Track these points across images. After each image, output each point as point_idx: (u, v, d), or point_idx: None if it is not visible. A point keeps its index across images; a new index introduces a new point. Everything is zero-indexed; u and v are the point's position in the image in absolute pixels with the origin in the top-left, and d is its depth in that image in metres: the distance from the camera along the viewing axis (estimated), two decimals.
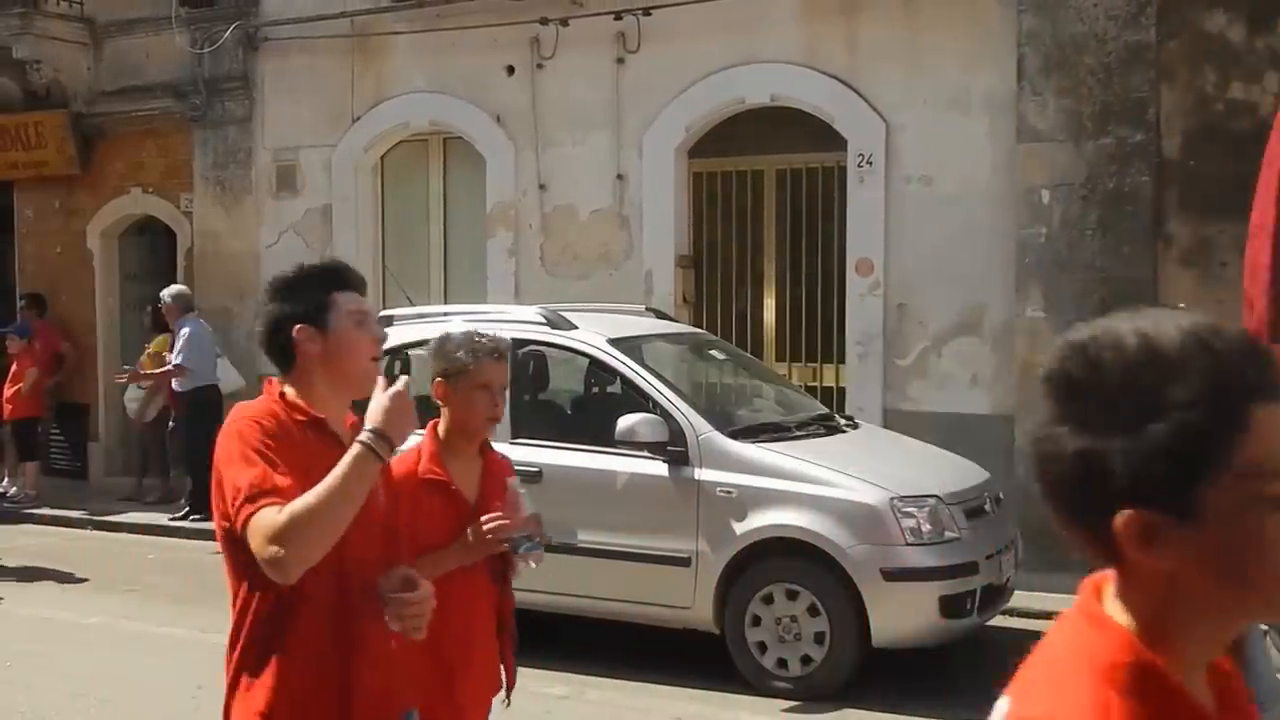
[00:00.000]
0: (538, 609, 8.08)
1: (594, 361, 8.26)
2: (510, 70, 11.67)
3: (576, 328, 8.22)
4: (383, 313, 9.42)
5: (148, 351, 13.18)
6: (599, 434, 7.79)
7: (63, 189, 14.80)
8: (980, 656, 7.79)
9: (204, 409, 11.96)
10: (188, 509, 12.25)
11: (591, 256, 11.39)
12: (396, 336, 8.81)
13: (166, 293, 12.43)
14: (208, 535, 11.67)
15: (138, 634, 8.94)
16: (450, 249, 12.50)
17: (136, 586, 10.33)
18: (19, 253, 15.34)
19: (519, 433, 8.08)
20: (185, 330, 12.05)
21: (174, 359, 11.90)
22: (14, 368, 13.29)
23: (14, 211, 15.31)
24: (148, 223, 14.49)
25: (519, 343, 8.24)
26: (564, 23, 11.21)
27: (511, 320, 8.47)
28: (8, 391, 13.35)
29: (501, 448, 7.80)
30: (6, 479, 14.02)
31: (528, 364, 8.42)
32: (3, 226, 15.46)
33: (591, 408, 8.67)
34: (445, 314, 9.18)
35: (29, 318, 14.18)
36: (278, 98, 13.12)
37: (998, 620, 8.04)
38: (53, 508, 13.20)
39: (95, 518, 12.79)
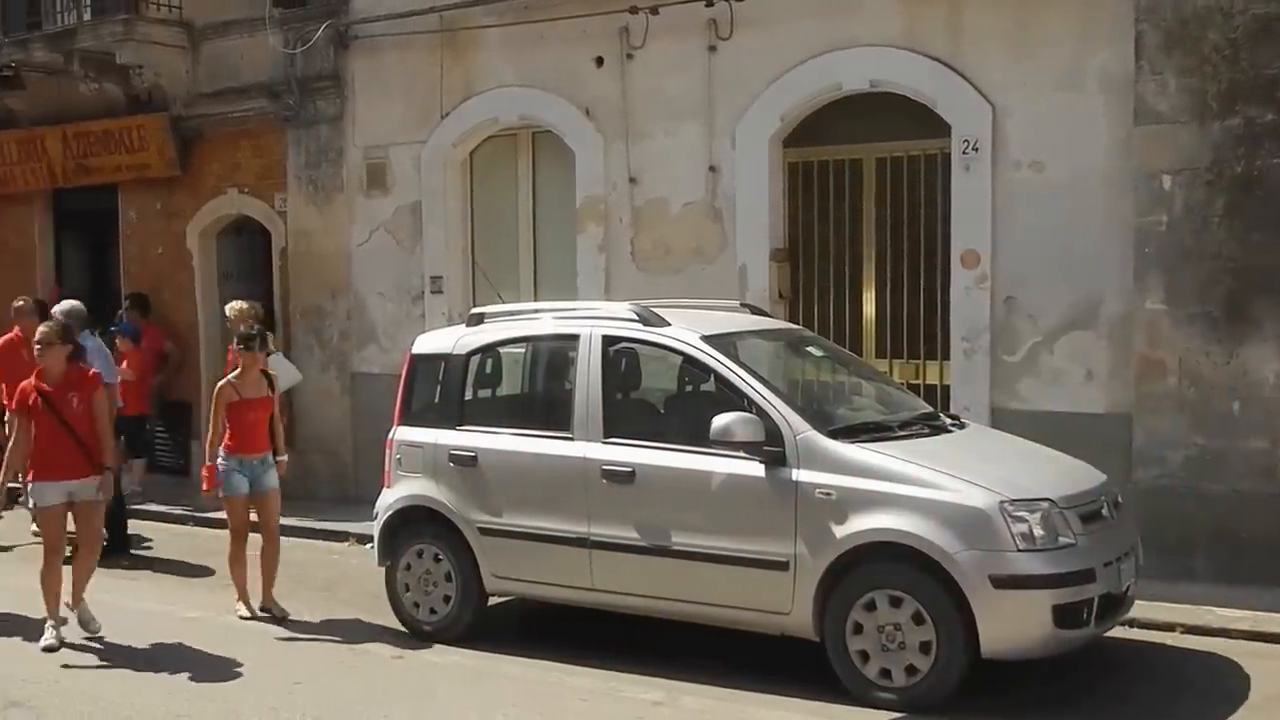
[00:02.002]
0: (632, 612, 7.92)
1: (687, 359, 8.03)
2: (599, 61, 11.41)
3: (669, 324, 8.02)
4: (473, 310, 9.31)
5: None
6: (693, 433, 7.55)
7: (163, 190, 14.95)
8: (1098, 670, 7.48)
9: None
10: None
11: (684, 251, 11.11)
12: (487, 334, 8.72)
13: (59, 309, 11.19)
14: (304, 533, 11.72)
15: (235, 628, 8.98)
16: (540, 245, 12.29)
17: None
18: (123, 254, 15.53)
19: (611, 432, 7.93)
20: (91, 344, 10.79)
21: (106, 377, 10.26)
22: (122, 367, 13.32)
23: (118, 213, 15.48)
24: (244, 223, 14.53)
25: (610, 340, 8.11)
26: (654, 10, 10.92)
27: (603, 317, 8.36)
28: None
29: (594, 447, 7.82)
30: None
31: (620, 362, 8.25)
32: (108, 228, 15.65)
33: (685, 406, 8.47)
34: (535, 310, 9.08)
35: (133, 318, 14.27)
36: (368, 95, 13.04)
37: (1117, 631, 7.70)
38: (157, 503, 13.40)
39: (196, 514, 12.82)
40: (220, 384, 9.31)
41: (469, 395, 8.80)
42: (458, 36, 12.27)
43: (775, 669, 7.54)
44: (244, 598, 9.29)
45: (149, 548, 11.85)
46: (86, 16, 15.10)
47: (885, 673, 6.96)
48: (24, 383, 8.60)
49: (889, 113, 10.32)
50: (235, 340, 9.46)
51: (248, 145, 14.12)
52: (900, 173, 10.41)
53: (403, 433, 8.78)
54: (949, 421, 8.27)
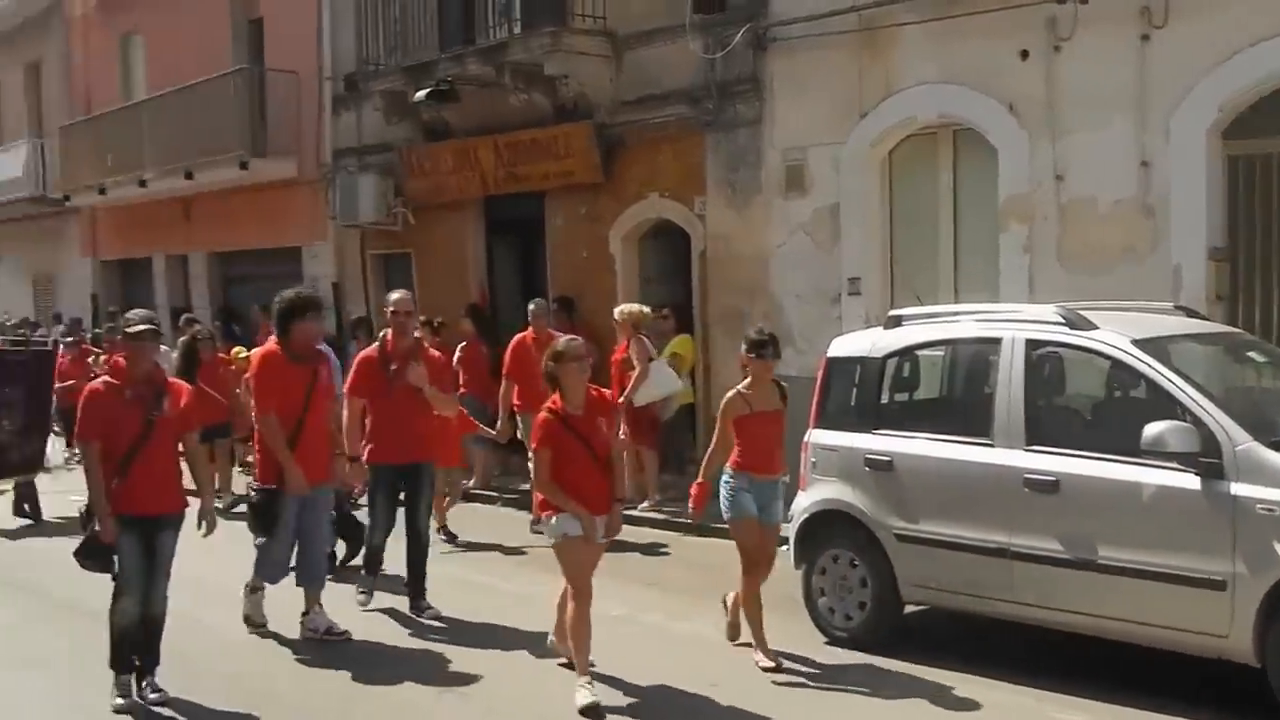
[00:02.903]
0: (1054, 627, 7.65)
1: (1116, 364, 7.70)
2: (1024, 55, 11.08)
3: (1097, 327, 7.70)
4: (891, 312, 9.22)
5: (672, 352, 13.53)
6: (1122, 442, 7.23)
7: (587, 196, 15.50)
8: None
9: None
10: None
11: (1113, 250, 10.62)
12: (905, 337, 8.62)
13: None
14: (723, 533, 11.89)
15: (656, 627, 9.17)
16: (960, 245, 12.03)
17: (655, 581, 10.58)
18: (550, 258, 16.20)
19: (1034, 439, 7.69)
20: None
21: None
22: None
23: (545, 219, 16.17)
24: (663, 226, 14.87)
25: (1034, 344, 7.89)
26: (1083, 0, 10.52)
27: (1027, 320, 8.12)
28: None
29: (1015, 455, 7.58)
30: None
31: (1044, 366, 8.03)
32: (536, 234, 16.39)
33: (1114, 414, 8.13)
34: (955, 313, 8.91)
35: (560, 320, 14.83)
36: (786, 97, 13.13)
37: None
38: None
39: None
40: (729, 394, 8.29)
41: (885, 399, 8.74)
42: (877, 34, 12.19)
43: (1211, 692, 7.14)
44: (761, 645, 8.16)
45: (666, 553, 11.90)
46: (517, 30, 15.89)
47: None
48: (542, 415, 7.50)
49: None
50: (745, 345, 8.32)
51: (668, 150, 14.46)
52: None
53: (818, 435, 8.80)
54: None
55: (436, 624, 9.34)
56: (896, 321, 8.85)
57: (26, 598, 10.57)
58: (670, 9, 13.99)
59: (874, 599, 8.36)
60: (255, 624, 9.09)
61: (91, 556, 7.57)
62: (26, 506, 14.20)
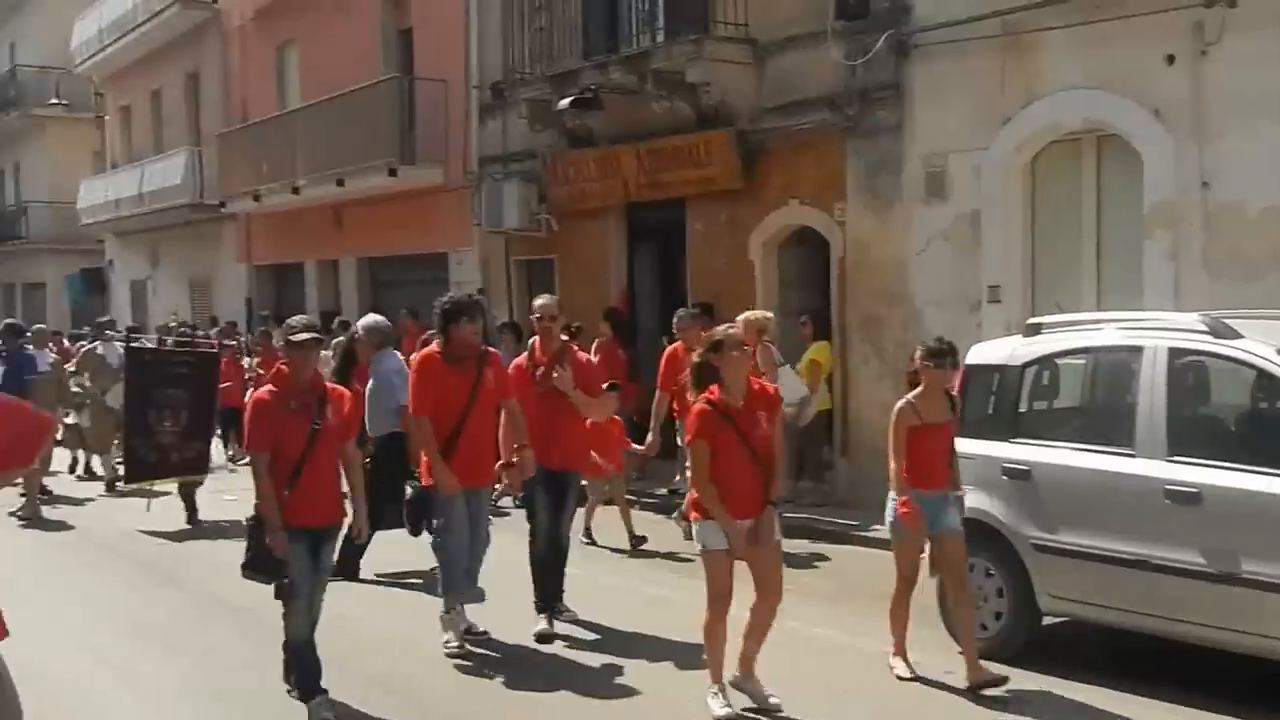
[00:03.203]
0: (1195, 642, 7.51)
1: (1262, 374, 7.53)
2: (1170, 59, 10.88)
3: (1242, 336, 7.54)
4: (1030, 321, 9.14)
5: (810, 359, 13.55)
6: (1268, 454, 7.12)
7: (727, 203, 15.56)
8: None
9: (390, 458, 10.67)
10: None
11: (1261, 258, 10.38)
12: (1044, 345, 8.55)
13: (362, 323, 11.57)
14: (861, 541, 11.90)
15: (790, 633, 8.90)
16: (1103, 252, 11.84)
17: (791, 586, 10.51)
18: (690, 264, 16.29)
19: (1176, 449, 7.56)
20: (394, 364, 11.04)
21: (400, 398, 10.03)
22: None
23: (685, 226, 16.28)
24: (803, 233, 14.87)
25: (1177, 352, 7.76)
26: (1231, 3, 10.31)
27: (1169, 328, 7.99)
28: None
29: (1156, 465, 7.48)
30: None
31: (1187, 375, 7.90)
32: (676, 240, 16.50)
33: (1259, 424, 7.96)
34: (1096, 321, 8.79)
35: (703, 323, 14.85)
36: (927, 103, 13.06)
37: None
38: None
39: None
40: (899, 405, 7.92)
41: (1023, 407, 8.65)
42: (1019, 40, 12.07)
43: None
44: (900, 652, 8.13)
45: (801, 559, 11.62)
46: (660, 39, 16.05)
47: None
48: (699, 405, 7.12)
49: None
50: (921, 353, 7.93)
51: (808, 157, 14.43)
52: None
53: (956, 444, 8.74)
54: None
55: (579, 630, 9.37)
56: (1036, 329, 8.76)
57: (180, 595, 10.95)
58: (812, 16, 14.01)
59: (1010, 609, 8.29)
60: (452, 649, 8.82)
61: (259, 569, 7.54)
62: (185, 508, 14.33)
